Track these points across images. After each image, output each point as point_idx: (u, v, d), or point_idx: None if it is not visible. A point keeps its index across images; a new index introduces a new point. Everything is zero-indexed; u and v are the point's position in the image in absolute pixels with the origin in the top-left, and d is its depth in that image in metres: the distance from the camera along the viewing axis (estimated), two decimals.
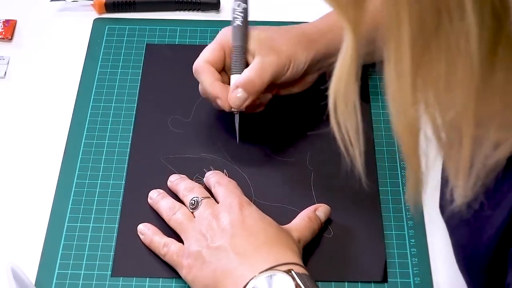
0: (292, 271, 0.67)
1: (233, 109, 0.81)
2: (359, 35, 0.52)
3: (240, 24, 0.83)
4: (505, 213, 0.60)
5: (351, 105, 0.57)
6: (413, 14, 0.47)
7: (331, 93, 0.57)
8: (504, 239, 0.61)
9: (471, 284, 0.69)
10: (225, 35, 0.85)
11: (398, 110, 0.53)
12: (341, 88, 0.55)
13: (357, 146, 0.60)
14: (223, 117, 0.86)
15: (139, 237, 0.78)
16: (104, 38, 0.97)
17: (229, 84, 0.83)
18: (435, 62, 0.49)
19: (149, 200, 0.80)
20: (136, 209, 0.80)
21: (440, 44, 0.48)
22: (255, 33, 0.84)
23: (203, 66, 0.83)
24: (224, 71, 0.84)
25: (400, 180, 0.83)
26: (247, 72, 0.81)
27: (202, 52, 0.84)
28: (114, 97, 0.90)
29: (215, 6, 1.00)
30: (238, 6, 0.85)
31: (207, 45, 0.85)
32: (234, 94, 0.81)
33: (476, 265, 0.67)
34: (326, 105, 0.55)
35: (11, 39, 0.96)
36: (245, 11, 0.85)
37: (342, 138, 0.60)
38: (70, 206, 0.80)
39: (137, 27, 0.98)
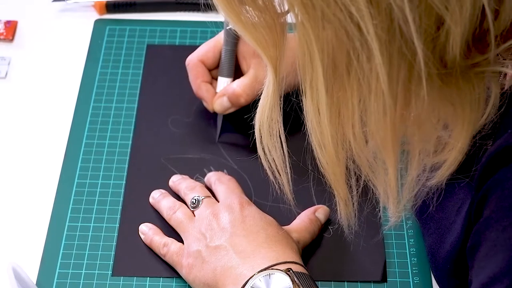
0: (291, 270, 0.67)
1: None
2: (280, 71, 0.55)
3: (232, 27, 0.83)
4: (463, 217, 0.61)
5: (276, 135, 0.59)
6: (324, 54, 0.49)
7: (256, 124, 0.59)
8: (464, 242, 0.61)
9: None
10: None
11: (318, 142, 0.55)
12: (265, 119, 0.58)
13: (284, 174, 0.62)
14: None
15: (140, 237, 0.78)
16: (105, 38, 0.97)
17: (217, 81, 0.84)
18: (349, 99, 0.50)
19: (150, 200, 0.81)
20: (137, 209, 0.80)
21: (352, 83, 0.49)
22: None
23: (195, 64, 0.84)
24: (218, 68, 0.85)
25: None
26: (236, 85, 0.82)
27: (199, 47, 0.85)
28: (115, 98, 0.91)
29: (215, 7, 1.00)
30: None
31: None
32: (219, 100, 0.83)
33: (445, 271, 0.68)
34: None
35: (12, 39, 0.97)
36: None
37: (269, 166, 0.62)
38: (71, 206, 0.80)
39: (138, 27, 0.98)
